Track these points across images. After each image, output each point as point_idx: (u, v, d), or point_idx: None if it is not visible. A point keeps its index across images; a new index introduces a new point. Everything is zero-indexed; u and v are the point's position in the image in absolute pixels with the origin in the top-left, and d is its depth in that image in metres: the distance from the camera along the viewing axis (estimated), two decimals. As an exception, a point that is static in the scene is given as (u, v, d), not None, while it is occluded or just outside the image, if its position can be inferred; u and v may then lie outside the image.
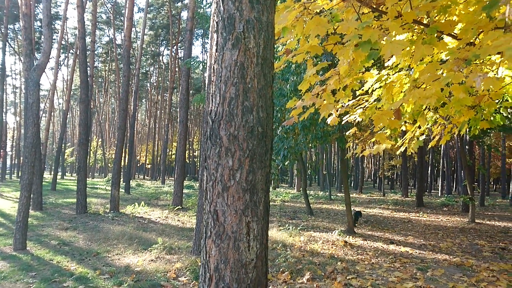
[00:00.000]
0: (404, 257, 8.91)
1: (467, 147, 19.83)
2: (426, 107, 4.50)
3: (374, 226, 13.93)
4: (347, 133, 4.39)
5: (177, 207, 16.62)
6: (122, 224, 12.25)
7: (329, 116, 4.19)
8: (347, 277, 7.03)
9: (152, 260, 7.74)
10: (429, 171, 48.13)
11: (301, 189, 22.62)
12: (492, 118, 4.13)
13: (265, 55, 2.18)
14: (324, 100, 3.54)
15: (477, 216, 17.03)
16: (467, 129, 4.55)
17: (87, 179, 28.68)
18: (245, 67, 2.12)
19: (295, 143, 11.04)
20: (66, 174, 66.21)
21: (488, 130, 16.40)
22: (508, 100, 4.18)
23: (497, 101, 4.20)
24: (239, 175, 2.09)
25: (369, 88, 4.41)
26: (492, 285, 6.78)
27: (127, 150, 29.07)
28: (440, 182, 41.23)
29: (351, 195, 30.13)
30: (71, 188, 28.34)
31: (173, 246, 8.90)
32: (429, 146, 4.25)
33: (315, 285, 6.55)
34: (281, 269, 7.30)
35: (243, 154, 2.10)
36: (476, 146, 28.03)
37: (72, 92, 54.65)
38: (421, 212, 18.87)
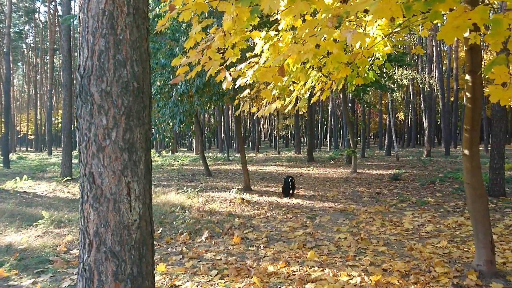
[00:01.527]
0: (296, 208, 9.58)
1: (350, 105, 21.60)
2: (311, 66, 4.73)
3: (270, 182, 14.67)
4: (240, 96, 4.44)
5: (66, 178, 15.46)
6: (0, 201, 11.05)
7: (223, 80, 4.17)
8: (244, 232, 7.35)
9: (38, 236, 7.16)
10: (319, 129, 51.73)
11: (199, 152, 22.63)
12: (366, 75, 4.52)
13: (137, 5, 2.02)
14: (210, 57, 3.50)
15: (358, 167, 18.91)
16: (346, 85, 4.90)
17: (-46, 154, 25.05)
18: (115, 17, 1.95)
19: (191, 106, 10.86)
20: None
21: (368, 89, 18.00)
22: (379, 58, 4.58)
23: (369, 59, 4.57)
24: (115, 134, 1.96)
25: (260, 49, 4.46)
26: (369, 225, 7.68)
27: (2, 119, 25.87)
28: (328, 138, 44.64)
29: (248, 155, 31.12)
30: None
31: (63, 219, 8.33)
32: (312, 101, 4.52)
33: (213, 242, 6.73)
34: (179, 231, 7.33)
35: (118, 111, 1.97)
36: (358, 104, 30.67)
37: None
38: (312, 167, 20.34)
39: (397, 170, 17.08)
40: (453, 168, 17.72)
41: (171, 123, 11.41)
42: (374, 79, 4.56)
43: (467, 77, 4.35)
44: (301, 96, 4.59)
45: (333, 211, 9.16)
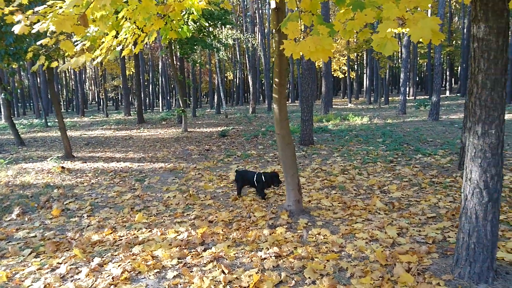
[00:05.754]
0: (124, 171, 9.19)
1: (178, 64, 21.40)
2: (124, 17, 4.35)
3: (96, 147, 13.68)
4: (38, 43, 3.77)
5: None
6: None
7: (16, 24, 3.47)
8: (65, 203, 6.72)
9: None
10: (150, 90, 50.18)
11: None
12: (180, 30, 4.40)
13: None
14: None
15: (190, 126, 19.17)
16: (160, 38, 4.70)
17: None
18: None
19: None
20: None
21: (195, 47, 17.98)
22: (194, 13, 4.50)
23: (183, 13, 4.46)
24: None
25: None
26: (198, 181, 7.90)
27: None
28: (161, 99, 43.77)
29: (72, 120, 28.33)
30: None
31: None
32: (123, 54, 4.20)
33: (26, 219, 5.97)
34: (-19, 211, 6.26)
35: None
36: (189, 63, 30.61)
37: None
38: (142, 128, 19.73)
39: (225, 127, 17.93)
40: (273, 123, 19.50)
41: None
42: (188, 34, 4.49)
43: (275, 34, 4.66)
44: (112, 49, 4.22)
45: (163, 171, 9.10)
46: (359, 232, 4.54)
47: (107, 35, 4.41)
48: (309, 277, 3.49)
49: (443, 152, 9.40)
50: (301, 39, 2.63)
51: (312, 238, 4.50)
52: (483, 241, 3.18)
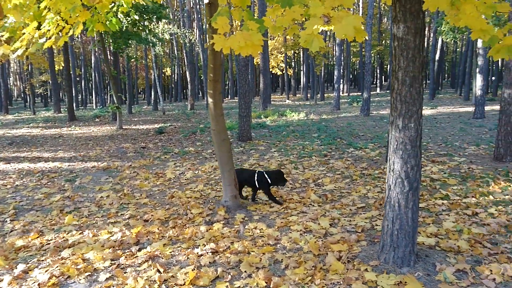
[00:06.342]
0: (53, 172, 8.66)
1: (112, 58, 20.55)
2: (46, 7, 4.08)
3: (21, 147, 12.76)
4: None
5: None
6: None
7: None
8: (-16, 207, 6.20)
9: None
10: (83, 85, 47.73)
11: None
12: (108, 22, 4.22)
13: None
14: None
15: (125, 123, 18.50)
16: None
17: None
18: None
19: None
20: None
21: (129, 42, 17.30)
22: (123, 6, 4.34)
23: (112, 5, 4.28)
24: None
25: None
26: (133, 179, 7.65)
27: None
28: (94, 95, 41.77)
29: (-7, 118, 26.13)
30: None
31: None
32: (45, 46, 3.94)
33: None
34: None
35: None
36: (123, 58, 29.47)
37: None
38: (73, 126, 18.70)
39: (162, 124, 17.53)
40: (213, 119, 19.37)
41: None
42: (117, 27, 4.31)
43: (208, 29, 4.63)
44: (34, 41, 3.94)
45: (95, 170, 8.70)
46: (294, 225, 4.66)
47: (28, 25, 4.12)
48: (245, 271, 3.53)
49: (372, 145, 9.92)
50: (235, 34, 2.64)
51: (249, 232, 4.55)
52: (405, 227, 3.40)
